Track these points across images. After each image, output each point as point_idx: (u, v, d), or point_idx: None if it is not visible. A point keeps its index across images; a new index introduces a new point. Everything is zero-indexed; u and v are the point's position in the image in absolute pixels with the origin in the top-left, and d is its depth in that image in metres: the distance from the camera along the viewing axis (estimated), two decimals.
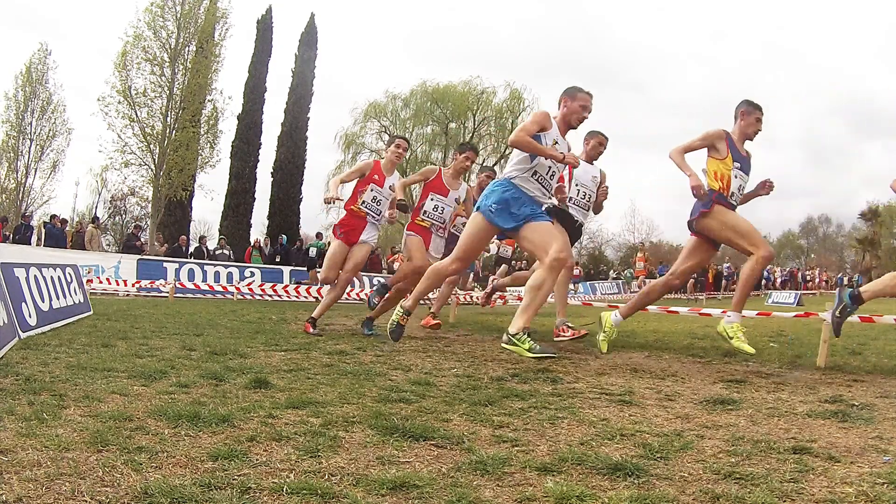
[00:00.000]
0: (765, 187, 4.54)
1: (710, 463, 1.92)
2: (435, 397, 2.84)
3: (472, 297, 13.32)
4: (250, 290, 14.31)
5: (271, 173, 27.29)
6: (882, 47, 70.57)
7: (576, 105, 4.22)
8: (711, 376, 3.91)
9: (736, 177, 4.32)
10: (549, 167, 4.19)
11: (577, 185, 5.41)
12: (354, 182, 5.80)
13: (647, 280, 21.13)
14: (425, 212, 5.78)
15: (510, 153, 4.30)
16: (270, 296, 13.89)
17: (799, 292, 24.27)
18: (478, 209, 4.31)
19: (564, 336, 5.38)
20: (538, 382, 3.40)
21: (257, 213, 27.59)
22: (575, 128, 4.31)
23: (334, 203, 5.86)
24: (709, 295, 24.84)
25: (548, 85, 56.89)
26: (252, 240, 21.52)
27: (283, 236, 19.69)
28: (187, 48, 21.38)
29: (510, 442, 2.11)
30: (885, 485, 1.73)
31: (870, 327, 7.33)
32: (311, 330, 5.64)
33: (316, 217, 45.99)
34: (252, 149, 26.35)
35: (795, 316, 5.92)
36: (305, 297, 13.65)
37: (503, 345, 4.02)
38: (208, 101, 22.12)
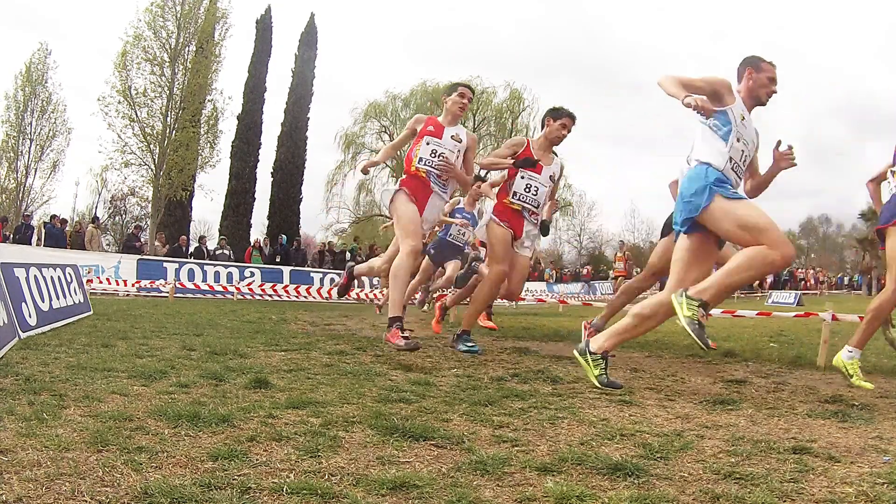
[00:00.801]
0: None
1: (710, 463, 1.92)
2: (435, 397, 2.85)
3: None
4: (250, 290, 14.34)
5: (271, 173, 27.29)
6: (882, 47, 70.76)
7: (763, 77, 3.47)
8: (711, 376, 3.91)
9: None
10: (742, 151, 3.40)
11: None
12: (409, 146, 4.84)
13: (625, 280, 20.93)
14: (515, 193, 4.81)
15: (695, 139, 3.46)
16: (270, 296, 13.91)
17: (799, 292, 24.27)
18: (692, 213, 3.30)
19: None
20: (538, 382, 3.40)
21: (257, 213, 27.59)
22: (764, 104, 3.54)
23: (368, 172, 5.05)
24: None
25: (548, 85, 56.99)
26: (252, 240, 21.53)
27: (283, 236, 19.68)
28: (187, 48, 21.34)
29: (510, 442, 2.11)
30: (885, 485, 1.73)
31: None
32: (399, 342, 4.13)
33: (316, 217, 45.99)
34: (252, 149, 26.33)
35: (795, 316, 5.93)
36: (305, 296, 13.66)
37: (574, 352, 3.51)
38: (208, 101, 22.09)
